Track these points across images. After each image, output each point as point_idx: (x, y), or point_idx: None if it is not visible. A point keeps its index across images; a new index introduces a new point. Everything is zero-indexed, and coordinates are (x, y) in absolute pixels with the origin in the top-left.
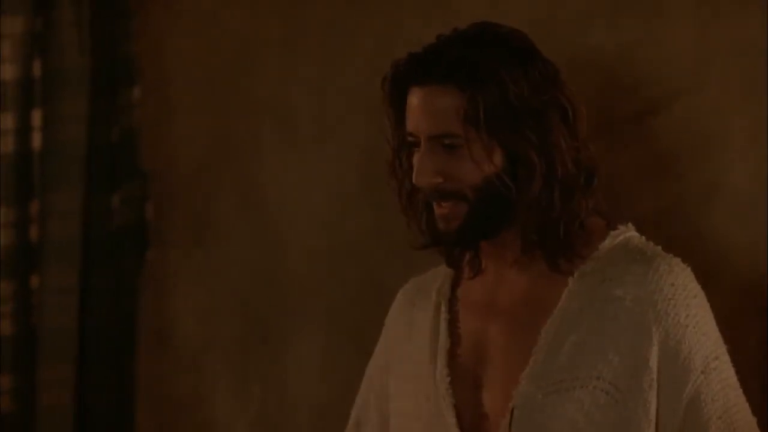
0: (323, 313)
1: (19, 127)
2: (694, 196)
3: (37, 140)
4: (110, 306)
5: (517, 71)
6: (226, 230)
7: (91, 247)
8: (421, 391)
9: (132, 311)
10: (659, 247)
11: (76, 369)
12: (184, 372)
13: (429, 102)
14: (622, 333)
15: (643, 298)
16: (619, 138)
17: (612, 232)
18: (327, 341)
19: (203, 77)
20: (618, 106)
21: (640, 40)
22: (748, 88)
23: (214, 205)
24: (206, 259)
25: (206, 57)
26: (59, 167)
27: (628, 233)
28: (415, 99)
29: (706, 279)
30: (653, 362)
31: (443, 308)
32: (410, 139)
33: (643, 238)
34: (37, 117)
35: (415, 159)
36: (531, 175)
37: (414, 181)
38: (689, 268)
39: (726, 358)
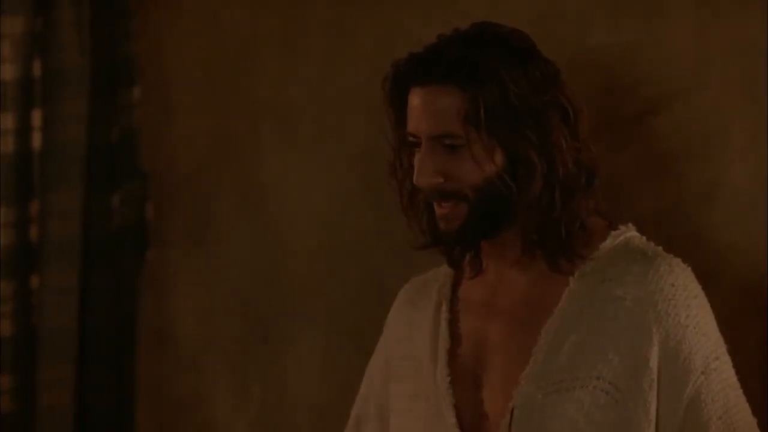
0: (323, 313)
1: (19, 127)
2: (694, 196)
3: (37, 140)
4: (110, 306)
5: (517, 71)
6: (226, 230)
7: (91, 247)
8: (421, 390)
9: (132, 311)
10: (660, 248)
11: (76, 369)
12: (184, 372)
13: (429, 102)
14: (623, 333)
15: (643, 299)
16: (619, 138)
17: (613, 233)
18: (327, 341)
19: (203, 77)
20: (618, 106)
21: (640, 40)
22: (748, 88)
23: (214, 205)
24: (206, 259)
25: (206, 57)
26: (59, 167)
27: (628, 233)
28: (415, 99)
29: (706, 279)
30: (653, 362)
31: (444, 308)
32: (411, 139)
33: (644, 238)
34: (37, 117)
35: (416, 159)
36: (531, 175)
37: (414, 181)
38: (690, 269)
39: (726, 358)
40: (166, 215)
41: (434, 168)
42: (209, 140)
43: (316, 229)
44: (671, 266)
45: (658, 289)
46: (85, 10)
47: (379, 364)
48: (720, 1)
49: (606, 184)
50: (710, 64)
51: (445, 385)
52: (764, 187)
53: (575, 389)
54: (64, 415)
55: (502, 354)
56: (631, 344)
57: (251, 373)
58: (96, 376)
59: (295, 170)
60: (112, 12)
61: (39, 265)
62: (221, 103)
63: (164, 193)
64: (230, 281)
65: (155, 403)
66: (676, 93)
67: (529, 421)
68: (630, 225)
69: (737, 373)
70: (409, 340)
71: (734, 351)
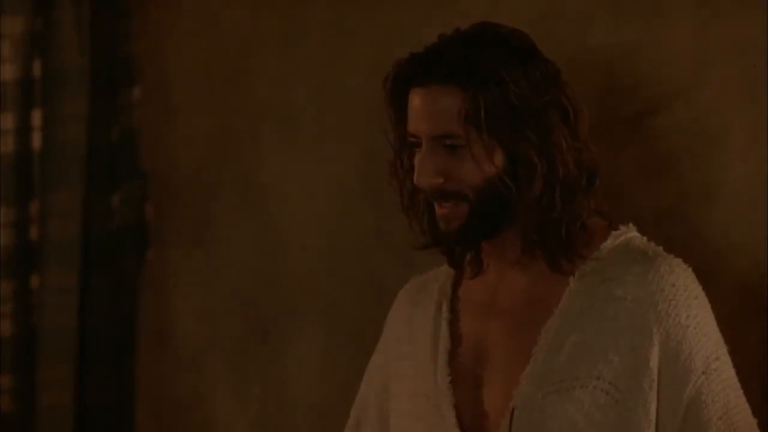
0: (323, 313)
1: (19, 127)
2: (694, 196)
3: (37, 140)
4: (110, 306)
5: (517, 71)
6: (226, 230)
7: (91, 247)
8: (421, 390)
9: (132, 311)
10: (660, 248)
11: (76, 369)
12: (184, 372)
13: (430, 102)
14: (623, 333)
15: (643, 299)
16: (619, 138)
17: (613, 233)
18: (327, 341)
19: (203, 77)
20: (618, 106)
21: (640, 40)
22: (748, 88)
23: (214, 205)
24: (206, 259)
25: (206, 57)
26: (59, 167)
27: (629, 234)
28: (416, 99)
29: (706, 279)
30: (654, 363)
31: (444, 308)
32: (411, 139)
33: (645, 238)
34: (37, 117)
35: (416, 159)
36: (531, 175)
37: (415, 181)
38: (690, 269)
39: (727, 358)
40: (166, 215)
41: (434, 168)
42: (209, 140)
43: (316, 229)
44: (672, 267)
45: (658, 290)
46: (85, 10)
47: (379, 364)
48: (720, 1)
49: (606, 184)
50: (710, 64)
51: (445, 384)
52: (764, 187)
53: (575, 389)
54: (64, 415)
55: (503, 354)
56: (631, 344)
57: (251, 373)
58: (96, 376)
59: (295, 170)
60: (112, 12)
61: (39, 265)
62: (221, 103)
63: (164, 193)
64: (230, 281)
65: (155, 403)
66: (676, 93)
67: (529, 420)
68: (631, 225)
69: (737, 373)
70: (410, 340)
71: (734, 351)
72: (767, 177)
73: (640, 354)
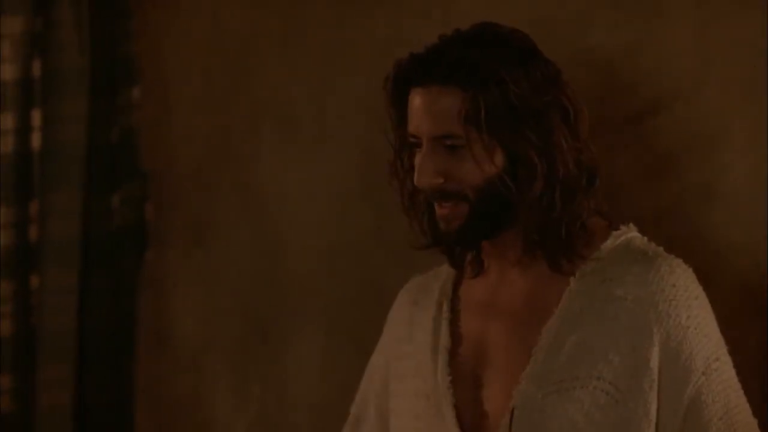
0: (323, 313)
1: (19, 127)
2: (694, 196)
3: (36, 140)
4: (110, 306)
5: (518, 71)
6: (226, 230)
7: (91, 248)
8: (421, 389)
9: (131, 311)
10: (661, 248)
11: (75, 369)
12: (184, 372)
13: (430, 102)
14: (623, 333)
15: (644, 299)
16: (619, 138)
17: (614, 233)
18: (327, 341)
19: (203, 77)
20: (618, 106)
21: (640, 40)
22: (748, 88)
23: (214, 205)
24: (206, 259)
25: (206, 57)
26: (59, 167)
27: (630, 234)
28: (416, 99)
29: (706, 279)
30: (654, 363)
31: (445, 307)
32: (412, 139)
33: (645, 238)
34: (36, 117)
35: (417, 159)
36: (532, 175)
37: (415, 181)
38: (691, 269)
39: (727, 359)
40: (166, 215)
41: (435, 168)
42: (209, 140)
43: (316, 230)
44: (672, 267)
45: (659, 290)
46: (84, 10)
47: (379, 364)
48: (720, 1)
49: (606, 184)
50: (710, 64)
51: (445, 384)
52: (764, 187)
53: (575, 389)
54: (63, 415)
55: (503, 353)
56: (631, 344)
57: (251, 373)
58: (95, 376)
59: (295, 170)
60: (111, 12)
61: (39, 265)
62: (221, 103)
63: (164, 193)
64: (230, 281)
65: (154, 403)
66: (676, 93)
67: (529, 420)
68: (631, 225)
69: (737, 373)
70: (410, 340)
71: (734, 351)
72: (767, 177)
73: (640, 354)
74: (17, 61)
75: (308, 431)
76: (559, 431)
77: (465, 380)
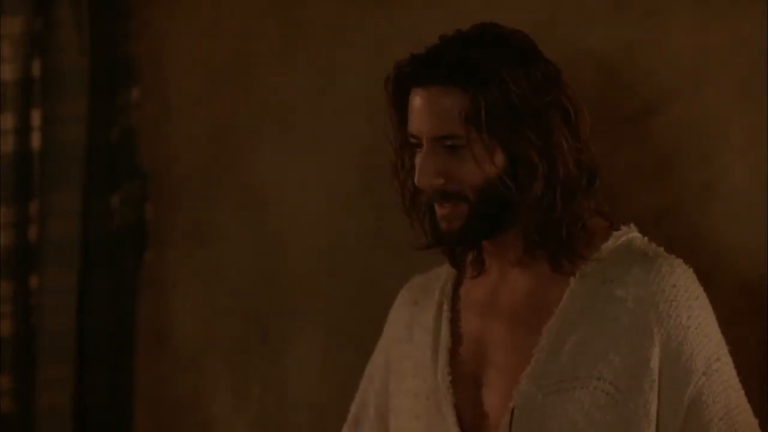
0: (323, 313)
1: (19, 127)
2: (694, 196)
3: (36, 140)
4: (109, 306)
5: (518, 72)
6: (226, 230)
7: (91, 248)
8: (421, 389)
9: (131, 311)
10: (661, 248)
11: (75, 369)
12: (183, 372)
13: (431, 103)
14: (623, 334)
15: (644, 299)
16: (619, 138)
17: (614, 233)
18: (327, 341)
19: (203, 77)
20: (618, 106)
21: (639, 40)
22: (748, 89)
23: (214, 205)
24: (206, 259)
25: (206, 57)
26: (59, 167)
27: (630, 234)
28: (417, 100)
29: (706, 279)
30: (654, 363)
31: (445, 307)
32: (412, 140)
33: (646, 239)
34: (36, 117)
35: (417, 160)
36: (532, 175)
37: (416, 182)
38: (691, 270)
39: (728, 359)
40: (166, 215)
41: (435, 169)
42: (209, 140)
43: (315, 230)
44: (672, 267)
45: (659, 290)
46: (84, 10)
47: (379, 364)
48: (719, 1)
49: (605, 184)
50: (710, 64)
51: (445, 384)
52: (764, 187)
53: (575, 389)
54: (63, 416)
55: (503, 353)
56: (632, 345)
57: (251, 373)
58: (95, 377)
59: (295, 170)
60: (111, 12)
61: (38, 266)
62: (221, 103)
63: (164, 193)
64: (230, 281)
65: (154, 404)
66: (676, 93)
67: (529, 420)
68: (632, 226)
69: (738, 373)
70: (410, 339)
71: (734, 351)
72: (767, 177)
73: (640, 354)
74: (17, 61)
75: (308, 431)
76: (559, 431)
77: (465, 380)
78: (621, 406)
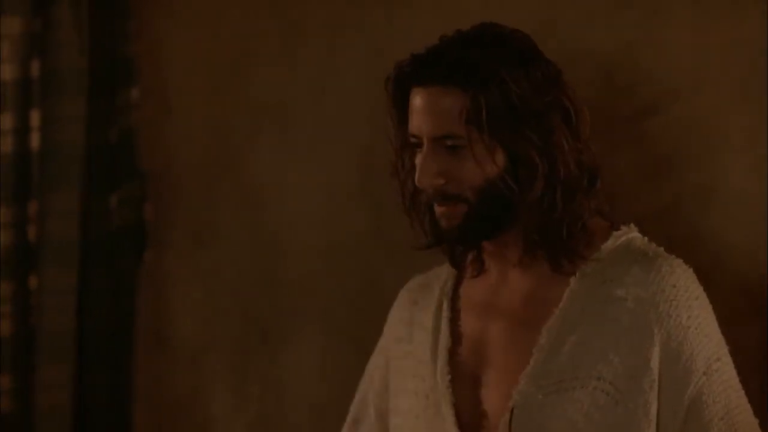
0: (322, 314)
1: (18, 127)
2: (694, 196)
3: (35, 140)
4: (109, 306)
5: (518, 72)
6: (226, 230)
7: (90, 248)
8: (421, 389)
9: (130, 311)
10: (661, 249)
11: (74, 369)
12: (183, 372)
13: (431, 103)
14: (623, 334)
15: (644, 299)
16: (618, 138)
17: (614, 233)
18: (326, 341)
19: (202, 77)
20: (618, 106)
21: (639, 40)
22: (747, 88)
23: (214, 205)
24: (206, 259)
25: (205, 57)
26: (58, 167)
27: (630, 234)
28: (417, 100)
29: (706, 279)
30: (654, 363)
31: (445, 307)
32: (413, 140)
33: (646, 239)
34: (35, 117)
35: (418, 160)
36: (533, 175)
37: (416, 182)
38: (691, 270)
39: (728, 359)
40: (165, 216)
41: (436, 169)
42: (208, 141)
43: (315, 230)
44: (672, 267)
45: (659, 290)
46: (84, 10)
47: (379, 363)
48: (719, 1)
49: (605, 184)
50: (709, 64)
51: (445, 383)
52: (764, 187)
53: (575, 389)
54: (62, 416)
55: (503, 353)
56: (631, 345)
57: (250, 373)
58: (94, 377)
59: (295, 170)
60: (110, 12)
61: (38, 266)
62: (220, 103)
63: (163, 193)
64: (229, 281)
65: (153, 404)
66: (676, 93)
67: (528, 420)
68: (632, 226)
69: (738, 373)
70: (410, 339)
71: (734, 351)
72: (767, 177)
73: (640, 354)
74: (16, 61)
75: (308, 431)
76: (558, 431)
77: (465, 380)
78: (621, 406)
